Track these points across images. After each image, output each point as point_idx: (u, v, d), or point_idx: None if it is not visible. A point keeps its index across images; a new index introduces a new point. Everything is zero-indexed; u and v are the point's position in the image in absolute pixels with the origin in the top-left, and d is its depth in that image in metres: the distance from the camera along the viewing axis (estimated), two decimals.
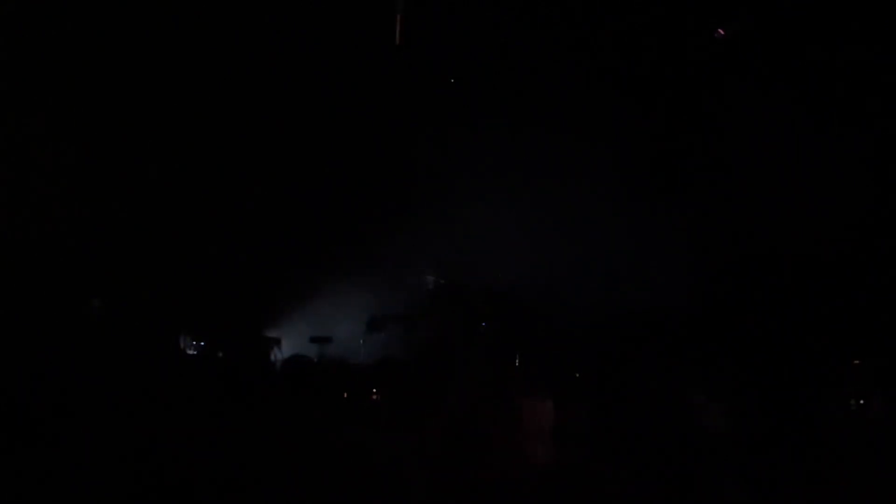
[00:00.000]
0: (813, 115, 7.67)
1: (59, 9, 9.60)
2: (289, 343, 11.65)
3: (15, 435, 3.89)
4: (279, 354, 10.77)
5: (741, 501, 3.61)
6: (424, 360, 9.70)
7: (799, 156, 7.69)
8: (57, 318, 9.34)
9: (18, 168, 9.45)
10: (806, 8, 7.75)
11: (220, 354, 9.57)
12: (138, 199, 11.02)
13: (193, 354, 9.65)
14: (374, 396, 4.03)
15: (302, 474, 3.64)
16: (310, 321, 12.34)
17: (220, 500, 3.64)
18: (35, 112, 9.56)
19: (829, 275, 7.63)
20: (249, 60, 10.91)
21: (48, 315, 9.20)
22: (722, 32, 8.39)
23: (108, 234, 10.79)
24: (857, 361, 6.10)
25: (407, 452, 3.67)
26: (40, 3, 9.55)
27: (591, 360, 7.47)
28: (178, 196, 11.02)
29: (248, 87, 11.32)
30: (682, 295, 9.17)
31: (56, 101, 9.73)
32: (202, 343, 10.09)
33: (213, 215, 11.40)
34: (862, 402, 4.75)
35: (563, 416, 3.99)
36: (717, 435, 4.11)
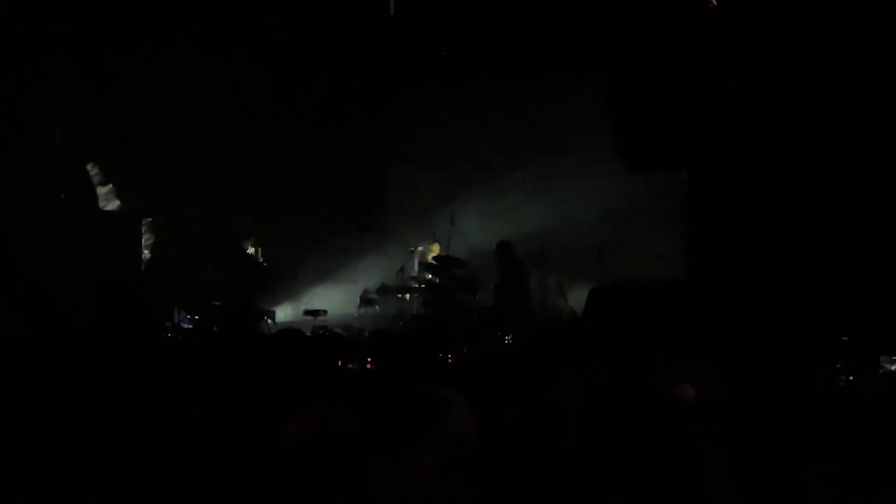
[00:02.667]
0: (811, 93, 7.62)
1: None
2: (282, 315, 11.69)
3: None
4: (272, 327, 10.79)
5: (729, 480, 3.60)
6: (420, 331, 9.72)
7: (796, 135, 7.65)
8: (43, 295, 9.35)
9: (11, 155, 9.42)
10: None
11: (215, 328, 9.57)
12: (129, 175, 11.01)
13: (188, 328, 9.66)
14: (369, 366, 4.02)
15: (298, 454, 3.63)
16: (304, 293, 12.40)
17: (219, 482, 3.64)
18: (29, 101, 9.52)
19: (820, 250, 7.62)
20: (243, 31, 10.82)
21: (36, 292, 9.21)
22: (715, 4, 8.31)
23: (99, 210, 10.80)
24: (845, 337, 6.06)
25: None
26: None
27: (585, 333, 7.44)
28: (169, 172, 10.99)
29: (241, 58, 11.25)
30: (672, 267, 9.17)
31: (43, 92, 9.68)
32: (196, 317, 10.10)
33: (205, 188, 11.38)
34: (851, 378, 4.74)
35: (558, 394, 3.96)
36: (706, 407, 4.09)
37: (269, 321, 10.98)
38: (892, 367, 5.22)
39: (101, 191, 10.95)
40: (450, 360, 6.13)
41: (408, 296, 11.43)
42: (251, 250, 10.81)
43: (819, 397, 4.12)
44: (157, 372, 4.30)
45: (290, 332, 4.82)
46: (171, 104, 10.73)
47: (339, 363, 4.19)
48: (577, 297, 10.14)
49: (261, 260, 10.92)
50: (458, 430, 3.75)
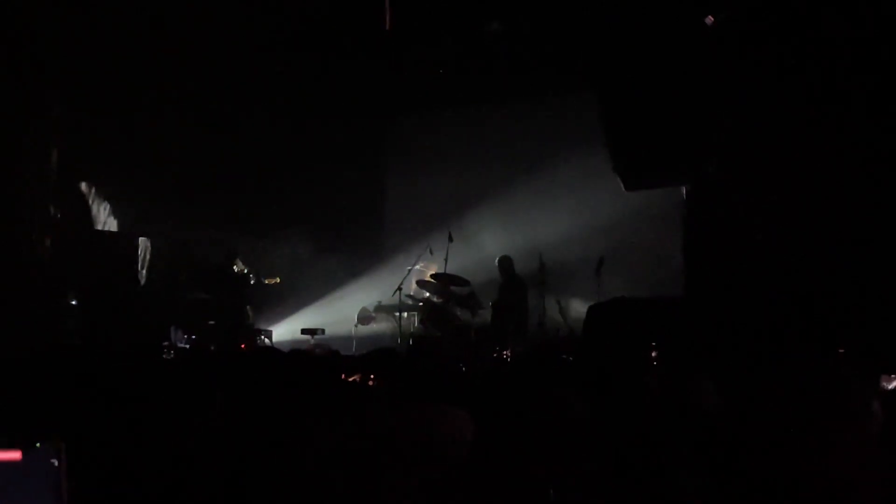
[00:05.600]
0: (807, 108, 7.64)
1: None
2: (280, 334, 11.67)
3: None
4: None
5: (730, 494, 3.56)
6: (418, 351, 9.68)
7: (793, 149, 7.66)
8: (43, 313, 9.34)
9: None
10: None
11: (212, 347, 9.54)
12: (125, 195, 11.02)
13: (184, 347, 9.63)
14: (371, 382, 4.01)
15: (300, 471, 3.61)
16: (301, 312, 12.39)
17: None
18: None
19: (818, 263, 7.62)
20: (237, 49, 10.85)
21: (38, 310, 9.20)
22: (713, 20, 8.33)
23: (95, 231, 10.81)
24: (841, 350, 6.05)
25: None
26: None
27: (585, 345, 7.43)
28: (163, 191, 10.99)
29: (234, 76, 11.28)
30: (671, 283, 9.20)
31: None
32: (193, 336, 10.07)
33: (199, 207, 11.39)
34: (850, 391, 4.68)
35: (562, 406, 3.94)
36: (708, 422, 4.06)
37: (266, 340, 10.96)
38: (891, 386, 5.18)
39: (97, 210, 10.96)
40: (448, 378, 6.09)
41: (406, 314, 11.40)
42: (238, 269, 10.83)
43: (819, 408, 4.10)
44: (156, 389, 4.28)
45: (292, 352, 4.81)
46: (165, 120, 10.77)
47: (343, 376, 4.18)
48: (576, 313, 10.15)
49: (251, 279, 10.93)
50: (449, 445, 3.75)
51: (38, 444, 2.59)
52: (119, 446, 3.82)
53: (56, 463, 2.50)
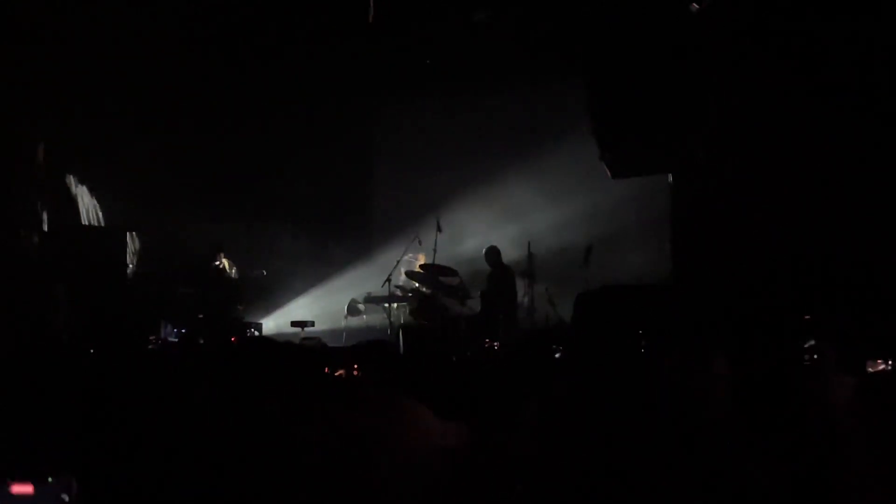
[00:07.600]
0: (794, 96, 7.67)
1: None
2: (269, 327, 11.66)
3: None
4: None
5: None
6: (407, 341, 9.70)
7: (779, 137, 7.70)
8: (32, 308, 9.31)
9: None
10: None
11: (201, 341, 9.52)
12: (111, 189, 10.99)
13: (174, 341, 9.61)
14: (356, 372, 4.02)
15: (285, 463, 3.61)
16: (290, 305, 12.38)
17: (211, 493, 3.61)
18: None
19: (804, 251, 7.67)
20: (222, 42, 10.81)
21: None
22: (697, 6, 8.34)
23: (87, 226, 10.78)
24: (808, 316, 6.07)
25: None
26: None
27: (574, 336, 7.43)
28: (151, 185, 10.96)
29: (221, 69, 11.24)
30: (659, 270, 9.22)
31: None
32: (183, 330, 10.06)
33: (186, 201, 11.36)
34: (816, 356, 4.73)
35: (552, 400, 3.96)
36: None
37: (256, 333, 10.95)
38: (872, 370, 5.21)
39: (84, 206, 10.93)
40: (437, 369, 6.10)
41: (395, 305, 11.40)
42: (222, 263, 10.82)
43: (803, 394, 4.13)
44: (146, 383, 4.27)
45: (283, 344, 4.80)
46: (151, 114, 10.73)
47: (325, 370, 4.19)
48: (565, 302, 10.16)
49: (233, 273, 10.91)
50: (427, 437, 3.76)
51: (49, 479, 2.57)
52: (123, 475, 3.81)
53: (66, 498, 2.49)
